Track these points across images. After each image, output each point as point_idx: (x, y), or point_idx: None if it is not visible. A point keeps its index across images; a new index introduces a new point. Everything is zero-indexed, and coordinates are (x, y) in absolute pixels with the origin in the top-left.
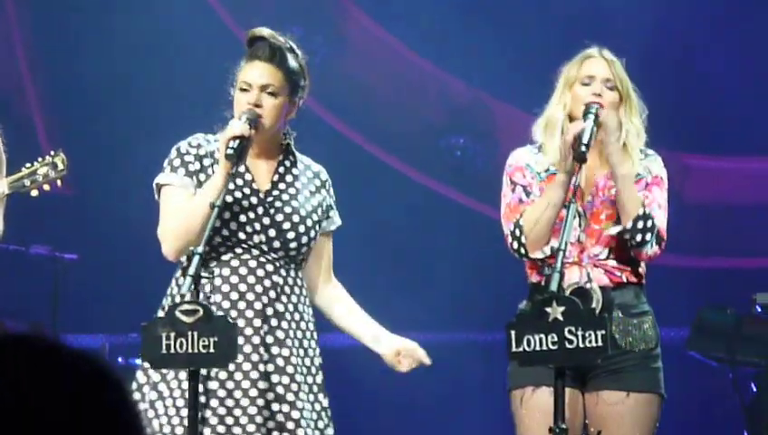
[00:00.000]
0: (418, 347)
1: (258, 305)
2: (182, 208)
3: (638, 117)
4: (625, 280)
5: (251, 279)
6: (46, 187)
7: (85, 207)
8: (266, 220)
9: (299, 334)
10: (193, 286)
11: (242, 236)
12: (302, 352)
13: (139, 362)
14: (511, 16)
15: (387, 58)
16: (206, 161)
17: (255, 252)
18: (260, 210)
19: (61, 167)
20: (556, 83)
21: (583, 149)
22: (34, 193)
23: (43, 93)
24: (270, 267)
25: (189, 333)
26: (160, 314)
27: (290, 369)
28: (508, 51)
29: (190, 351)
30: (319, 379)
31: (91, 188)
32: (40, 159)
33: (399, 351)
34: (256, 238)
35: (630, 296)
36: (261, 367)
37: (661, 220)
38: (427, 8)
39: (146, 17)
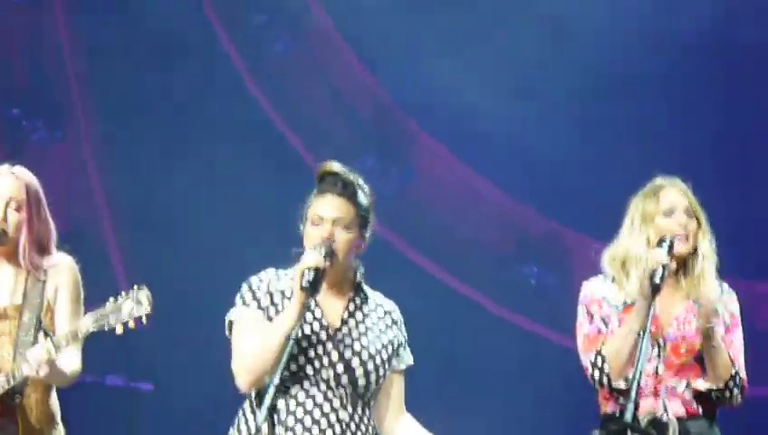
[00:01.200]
0: None
1: None
2: (255, 342)
3: (709, 242)
4: (701, 412)
5: (316, 414)
6: (132, 324)
7: (160, 337)
8: (335, 356)
9: None
10: (268, 418)
11: (309, 371)
12: None
13: None
14: (584, 145)
15: (460, 187)
16: (277, 297)
17: (323, 387)
18: (329, 346)
19: (146, 303)
20: (627, 216)
21: (657, 280)
22: (119, 331)
23: (120, 226)
24: (336, 403)
25: None
26: None
27: None
28: (581, 181)
29: None
30: None
31: (167, 318)
32: (123, 294)
33: None
34: (324, 374)
35: (705, 427)
36: None
37: (742, 363)
38: (496, 136)
39: (219, 148)
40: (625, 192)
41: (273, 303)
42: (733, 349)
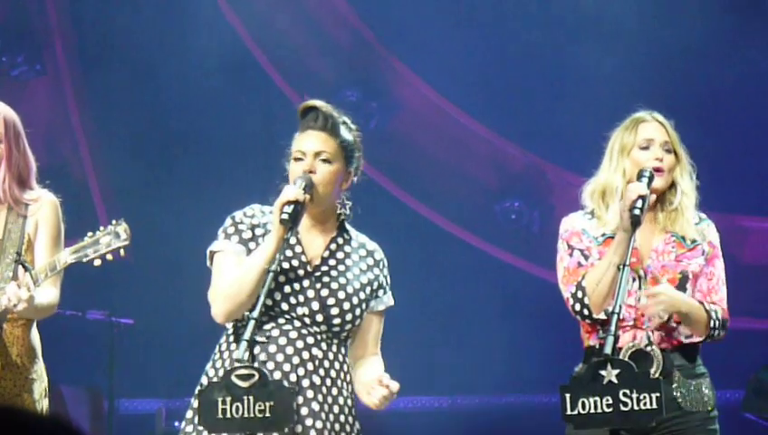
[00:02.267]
0: (384, 375)
1: (293, 377)
2: (233, 272)
3: (689, 177)
4: (684, 341)
5: (289, 350)
6: (109, 256)
7: (141, 273)
8: (311, 293)
9: (335, 409)
10: (248, 351)
11: (285, 306)
12: (337, 426)
13: (182, 426)
14: (563, 83)
15: (442, 122)
16: (259, 231)
17: (297, 324)
18: (306, 283)
19: (124, 236)
20: (606, 149)
21: (637, 212)
22: (97, 263)
23: (99, 158)
24: (311, 340)
25: (245, 398)
26: (204, 380)
27: None
28: (563, 116)
29: (246, 415)
30: None
31: (147, 254)
32: (102, 229)
33: (368, 385)
34: (299, 310)
35: (689, 358)
36: None
37: (723, 295)
38: (483, 74)
39: (200, 80)
40: (608, 128)
41: (254, 237)
42: (712, 281)
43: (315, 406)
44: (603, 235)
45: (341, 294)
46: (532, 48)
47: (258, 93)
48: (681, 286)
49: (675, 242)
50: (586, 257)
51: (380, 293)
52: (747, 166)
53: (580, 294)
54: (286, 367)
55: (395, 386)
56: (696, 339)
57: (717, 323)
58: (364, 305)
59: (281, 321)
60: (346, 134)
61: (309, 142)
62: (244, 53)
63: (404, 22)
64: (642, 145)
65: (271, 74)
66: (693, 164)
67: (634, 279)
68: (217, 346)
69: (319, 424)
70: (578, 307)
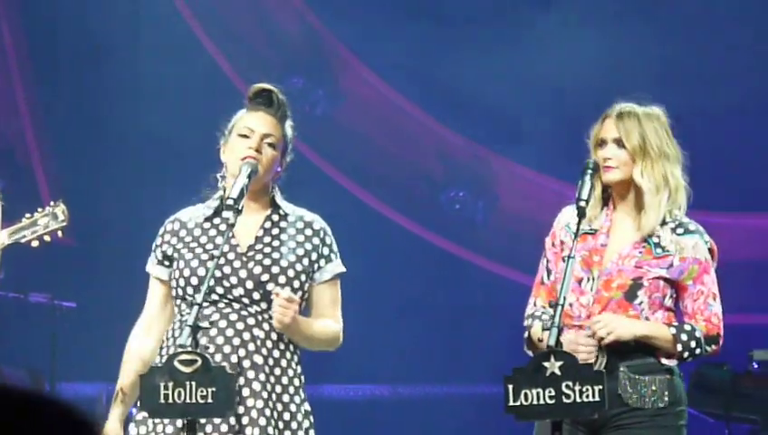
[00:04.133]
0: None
1: (234, 358)
2: (137, 332)
3: (661, 169)
4: (633, 342)
5: (229, 332)
6: (47, 237)
7: (84, 256)
8: (243, 273)
9: (278, 389)
10: (191, 337)
11: (220, 290)
12: (279, 406)
13: (134, 411)
14: (515, 69)
15: (388, 111)
16: (179, 246)
17: (237, 306)
18: (237, 264)
19: (61, 217)
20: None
21: (581, 204)
22: (35, 244)
23: (44, 142)
24: (251, 321)
25: (188, 383)
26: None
27: (262, 421)
28: (511, 105)
29: (188, 401)
30: (301, 433)
31: (90, 238)
32: (40, 210)
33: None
34: (235, 292)
35: (641, 354)
36: (232, 420)
37: (714, 311)
38: (428, 64)
39: (148, 66)
40: (556, 119)
41: (171, 257)
42: (698, 301)
43: (257, 386)
44: (582, 231)
45: (275, 269)
46: (480, 38)
47: (205, 79)
48: (631, 293)
49: (644, 248)
50: (549, 273)
51: (322, 262)
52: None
53: (526, 322)
54: (227, 349)
55: (285, 292)
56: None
57: (694, 341)
58: (303, 277)
59: (221, 305)
60: (288, 129)
61: (259, 122)
62: (192, 40)
63: (352, 9)
64: (598, 143)
65: (219, 62)
66: (680, 155)
67: (589, 279)
68: (165, 332)
69: (260, 404)
70: (525, 334)
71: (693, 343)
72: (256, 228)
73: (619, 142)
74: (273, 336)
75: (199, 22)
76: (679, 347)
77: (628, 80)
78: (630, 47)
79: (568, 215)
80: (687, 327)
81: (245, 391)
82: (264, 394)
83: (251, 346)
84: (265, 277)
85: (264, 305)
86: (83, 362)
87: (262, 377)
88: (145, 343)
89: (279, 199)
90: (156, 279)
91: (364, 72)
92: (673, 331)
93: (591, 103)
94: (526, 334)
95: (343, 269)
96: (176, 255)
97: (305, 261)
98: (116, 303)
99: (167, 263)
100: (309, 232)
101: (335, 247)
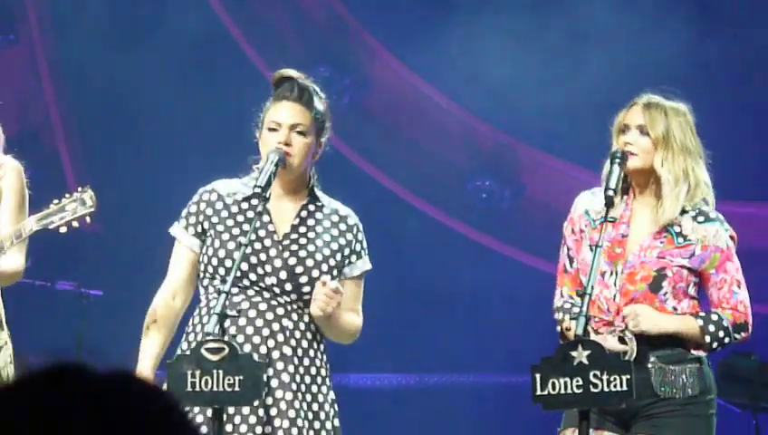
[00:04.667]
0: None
1: (263, 349)
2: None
3: (683, 162)
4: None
5: (259, 322)
6: (75, 224)
7: (110, 244)
8: (278, 263)
9: (307, 379)
10: (219, 325)
11: (253, 277)
12: (309, 396)
13: None
14: (542, 58)
15: (415, 100)
16: (215, 220)
17: (267, 295)
18: (272, 252)
19: (89, 203)
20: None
21: (609, 193)
22: (63, 230)
23: (70, 128)
24: (281, 311)
25: (215, 371)
26: (182, 351)
27: (291, 413)
28: (535, 93)
29: (215, 389)
30: (329, 424)
31: (117, 226)
32: (68, 196)
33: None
34: (268, 281)
35: (671, 344)
36: (261, 411)
37: (740, 298)
38: (455, 50)
39: (175, 51)
40: (580, 108)
41: (205, 231)
42: (723, 289)
43: (285, 377)
44: (602, 217)
45: (310, 262)
46: (507, 26)
47: (232, 68)
48: (656, 284)
49: (665, 238)
50: (571, 261)
51: (353, 258)
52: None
53: (557, 316)
54: (256, 339)
55: (333, 283)
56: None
57: (722, 331)
58: (335, 272)
59: (250, 293)
60: (319, 105)
61: (284, 114)
62: (219, 27)
63: None
64: (621, 129)
65: (245, 49)
66: (702, 153)
67: (611, 273)
68: (191, 319)
69: (289, 395)
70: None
71: (721, 333)
72: (293, 216)
73: (643, 129)
74: (302, 326)
75: (226, 8)
76: (708, 338)
77: (656, 74)
78: (665, 41)
79: (586, 200)
80: (714, 317)
81: (274, 383)
82: (294, 386)
83: (280, 337)
84: (300, 269)
85: (294, 296)
86: (110, 350)
87: (291, 368)
88: (171, 305)
89: (317, 190)
90: (185, 247)
91: (391, 60)
92: (700, 322)
93: (619, 93)
94: (559, 328)
95: (370, 266)
96: (211, 231)
97: (338, 256)
98: (142, 291)
99: (201, 236)
100: (343, 226)
101: (365, 244)
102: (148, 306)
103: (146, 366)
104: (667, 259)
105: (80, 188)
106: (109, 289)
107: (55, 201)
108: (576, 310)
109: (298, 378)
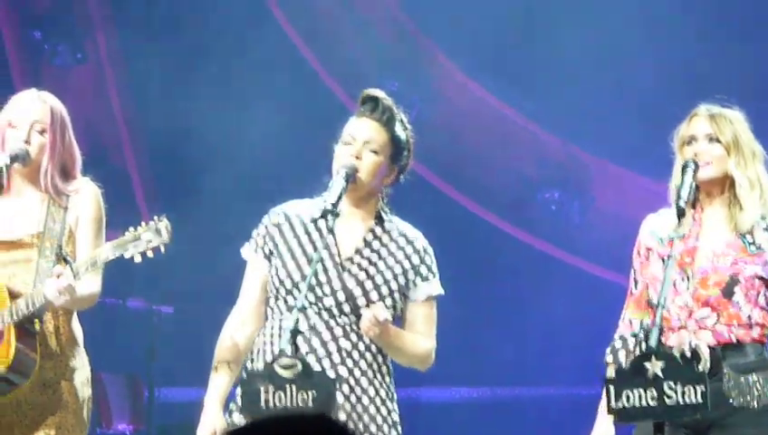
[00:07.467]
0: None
1: (318, 368)
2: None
3: (754, 167)
4: (735, 341)
5: (315, 342)
6: (150, 254)
7: (181, 262)
8: (337, 285)
9: (364, 400)
10: (292, 341)
11: (311, 298)
12: (366, 417)
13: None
14: (609, 69)
15: (483, 113)
16: (278, 239)
17: (325, 315)
18: (333, 274)
19: (165, 234)
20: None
21: (681, 204)
22: (137, 260)
23: (141, 148)
24: (339, 331)
25: (288, 387)
26: (247, 368)
27: None
28: (607, 106)
29: (288, 405)
30: None
31: (188, 245)
32: (143, 225)
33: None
34: (327, 302)
35: (745, 353)
36: None
37: None
38: (524, 66)
39: (243, 71)
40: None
41: (271, 254)
42: None
43: (339, 398)
44: (669, 236)
45: (369, 285)
46: (576, 41)
47: (301, 85)
48: (728, 291)
49: (739, 246)
50: (636, 284)
51: (418, 280)
52: None
53: (616, 344)
54: (311, 358)
55: (376, 308)
56: (748, 339)
57: None
58: (396, 295)
59: (309, 312)
60: (399, 131)
61: (361, 129)
62: (288, 45)
63: (445, 13)
64: (687, 141)
65: (314, 66)
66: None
67: (683, 279)
68: (255, 338)
69: (342, 416)
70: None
71: None
72: (358, 239)
73: (712, 138)
74: (361, 347)
75: (294, 27)
76: None
77: (717, 82)
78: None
79: (651, 222)
80: None
81: None
82: (348, 406)
83: (336, 357)
84: (358, 292)
85: (353, 317)
86: (181, 368)
87: (345, 389)
88: (241, 342)
89: (384, 212)
90: (256, 268)
91: (458, 75)
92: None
93: (682, 104)
94: (618, 342)
95: (441, 291)
96: (275, 252)
97: (401, 279)
98: (212, 307)
99: (270, 258)
100: (410, 250)
101: (434, 268)
102: (217, 322)
103: (214, 400)
104: (740, 265)
105: (156, 217)
106: (179, 306)
107: (131, 229)
108: (623, 350)
109: (353, 398)
